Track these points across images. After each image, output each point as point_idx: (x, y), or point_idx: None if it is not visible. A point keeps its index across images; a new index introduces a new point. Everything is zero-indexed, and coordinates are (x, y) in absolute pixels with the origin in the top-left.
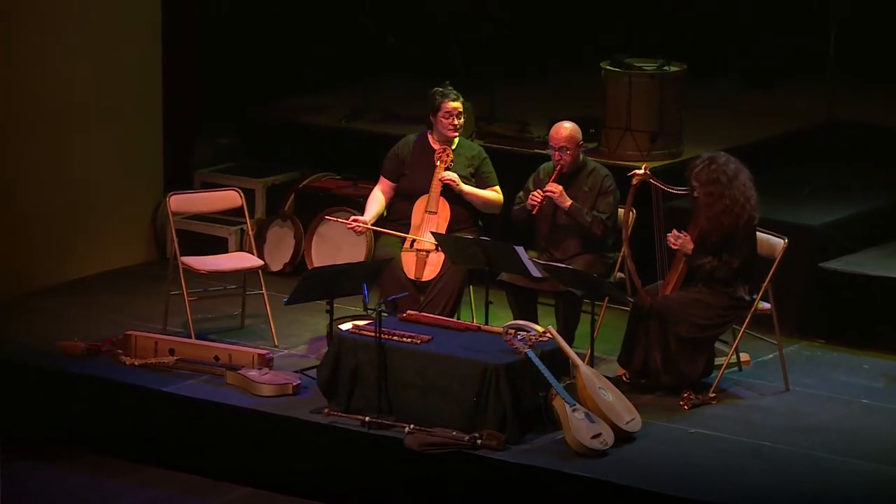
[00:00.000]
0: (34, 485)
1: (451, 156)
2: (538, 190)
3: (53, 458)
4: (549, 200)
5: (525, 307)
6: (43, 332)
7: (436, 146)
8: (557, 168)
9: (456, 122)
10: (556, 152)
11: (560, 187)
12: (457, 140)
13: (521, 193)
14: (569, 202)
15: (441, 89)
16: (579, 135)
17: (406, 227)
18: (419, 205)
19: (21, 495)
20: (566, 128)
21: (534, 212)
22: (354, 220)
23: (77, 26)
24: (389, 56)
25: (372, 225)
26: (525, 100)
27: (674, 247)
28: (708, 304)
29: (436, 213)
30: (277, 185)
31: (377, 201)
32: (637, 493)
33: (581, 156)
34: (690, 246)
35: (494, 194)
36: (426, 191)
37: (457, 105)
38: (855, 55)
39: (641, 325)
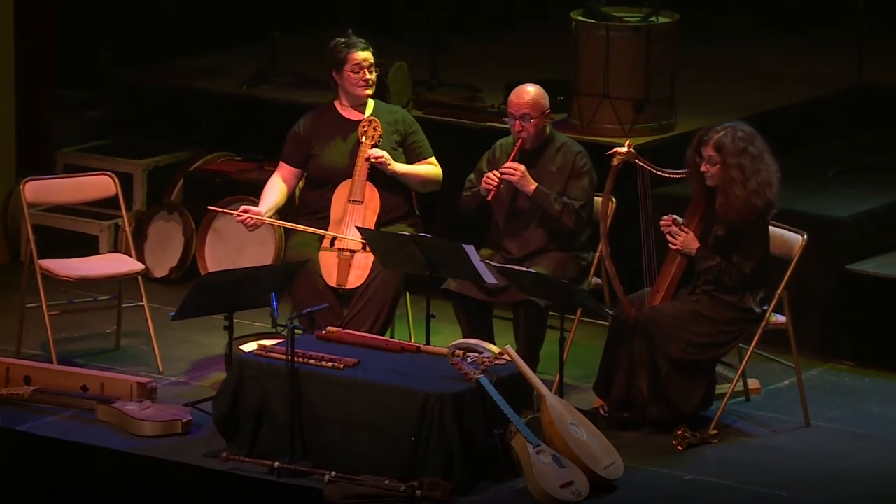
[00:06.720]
0: None
1: (380, 129)
2: (494, 171)
3: None
4: (507, 184)
5: (478, 322)
6: None
7: (351, 116)
8: (518, 142)
9: (368, 76)
10: (517, 121)
11: (522, 167)
12: (371, 104)
13: (471, 176)
14: (533, 185)
15: (343, 39)
16: (546, 100)
17: (324, 222)
18: (340, 193)
19: None
20: (529, 92)
21: (488, 197)
22: (245, 211)
23: None
24: (303, 5)
25: (273, 218)
26: (475, 60)
27: (673, 246)
28: (708, 318)
29: (362, 202)
30: (161, 168)
31: (276, 189)
32: None
33: (548, 128)
34: (695, 245)
35: (432, 168)
36: (344, 174)
37: (367, 55)
38: (890, 6)
39: (624, 345)
